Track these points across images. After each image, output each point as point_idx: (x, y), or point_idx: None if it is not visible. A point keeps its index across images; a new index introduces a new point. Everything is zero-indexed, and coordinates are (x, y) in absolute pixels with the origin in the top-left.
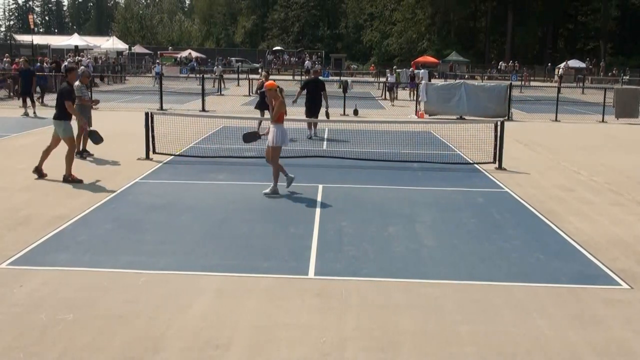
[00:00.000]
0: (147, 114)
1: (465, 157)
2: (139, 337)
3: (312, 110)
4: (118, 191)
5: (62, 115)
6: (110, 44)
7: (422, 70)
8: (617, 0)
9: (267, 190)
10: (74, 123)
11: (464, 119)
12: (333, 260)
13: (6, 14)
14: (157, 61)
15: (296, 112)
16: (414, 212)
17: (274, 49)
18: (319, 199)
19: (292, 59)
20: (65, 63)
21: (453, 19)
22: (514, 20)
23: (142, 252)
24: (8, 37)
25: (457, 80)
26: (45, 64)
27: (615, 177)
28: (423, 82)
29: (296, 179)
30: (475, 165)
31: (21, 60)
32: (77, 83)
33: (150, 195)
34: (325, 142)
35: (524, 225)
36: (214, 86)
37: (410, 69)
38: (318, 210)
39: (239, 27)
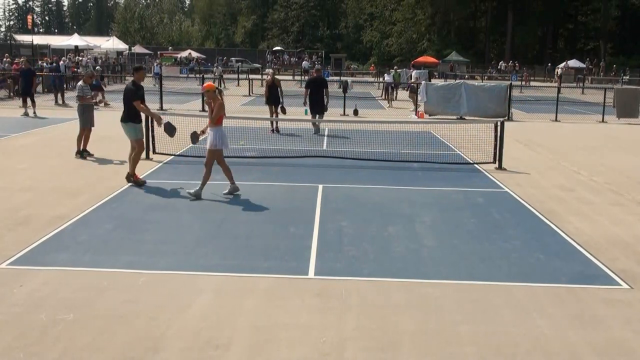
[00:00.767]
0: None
1: (465, 157)
2: (139, 337)
3: (315, 107)
4: (118, 191)
5: (130, 116)
6: (110, 44)
7: (415, 71)
8: (617, 0)
9: (191, 191)
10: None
11: (464, 119)
12: (333, 260)
13: (6, 14)
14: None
15: (296, 112)
16: (414, 212)
17: (273, 49)
18: (319, 199)
19: (292, 59)
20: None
21: (453, 19)
22: (514, 20)
23: (142, 252)
24: (8, 37)
25: (457, 81)
26: (61, 63)
27: (615, 177)
28: (422, 82)
29: (296, 179)
30: (475, 165)
31: (21, 60)
32: (80, 83)
33: (150, 195)
34: (325, 142)
35: (523, 225)
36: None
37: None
38: (318, 210)
39: (239, 27)
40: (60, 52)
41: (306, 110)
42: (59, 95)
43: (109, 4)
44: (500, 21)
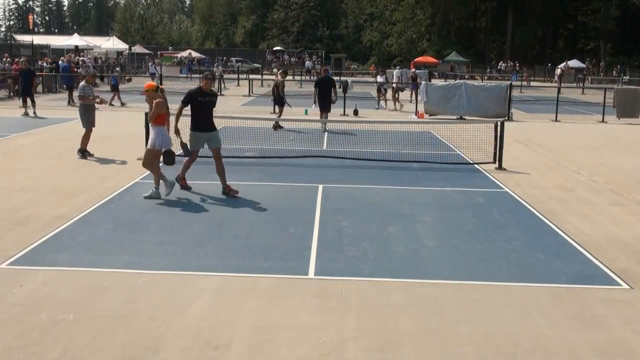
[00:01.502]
0: (147, 114)
1: (465, 157)
2: (139, 337)
3: (324, 105)
4: (118, 191)
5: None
6: (111, 44)
7: (397, 71)
8: (617, 0)
9: (146, 194)
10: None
11: (464, 119)
12: (333, 261)
13: (6, 14)
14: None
15: (295, 112)
16: (414, 212)
17: (273, 49)
18: (319, 199)
19: (292, 59)
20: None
21: (453, 19)
22: (514, 20)
23: (142, 252)
24: (8, 37)
25: (457, 81)
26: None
27: (615, 177)
28: (422, 82)
29: (296, 179)
30: (475, 165)
31: (21, 60)
32: (82, 83)
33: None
34: (325, 142)
35: (524, 225)
36: (213, 86)
37: (412, 69)
38: (318, 210)
39: (239, 27)
40: (60, 52)
41: (306, 111)
42: (72, 95)
43: (109, 4)
44: (500, 21)
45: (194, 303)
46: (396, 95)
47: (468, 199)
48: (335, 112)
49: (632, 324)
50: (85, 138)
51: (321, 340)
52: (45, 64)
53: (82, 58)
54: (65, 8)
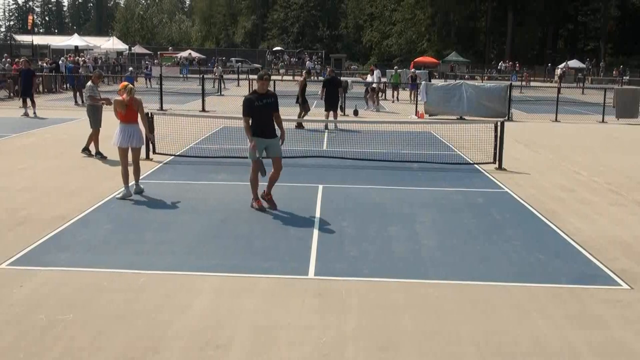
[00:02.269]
0: (146, 114)
1: (465, 157)
2: (139, 337)
3: (330, 104)
4: (118, 191)
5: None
6: (110, 44)
7: (377, 71)
8: (617, 1)
9: (119, 195)
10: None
11: (464, 119)
12: (333, 261)
13: (6, 14)
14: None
15: (295, 112)
16: (414, 212)
17: (274, 49)
18: (319, 199)
19: (292, 59)
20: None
21: (453, 19)
22: (514, 20)
23: (142, 252)
24: (8, 38)
25: (457, 81)
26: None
27: (615, 178)
28: (422, 82)
29: (296, 179)
30: (475, 165)
31: (21, 60)
32: (89, 83)
33: (150, 196)
34: (325, 142)
35: (524, 225)
36: (214, 86)
37: (412, 70)
38: (318, 210)
39: (239, 27)
40: (60, 52)
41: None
42: (79, 95)
43: (109, 4)
44: (501, 21)
45: (194, 303)
46: (376, 95)
47: (468, 199)
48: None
49: (632, 324)
50: (92, 138)
51: (321, 340)
52: (45, 64)
53: (82, 58)
54: (65, 8)
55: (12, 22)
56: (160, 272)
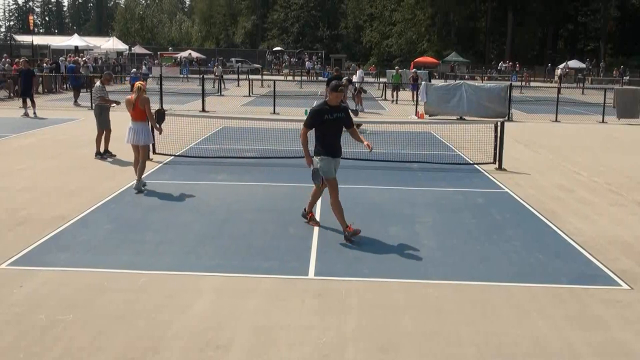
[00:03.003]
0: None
1: (465, 157)
2: (139, 337)
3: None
4: (118, 191)
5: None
6: (110, 44)
7: (360, 71)
8: (617, 1)
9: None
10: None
11: (464, 119)
12: (333, 261)
13: (6, 14)
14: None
15: (295, 112)
16: (414, 212)
17: (274, 49)
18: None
19: (292, 59)
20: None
21: (453, 19)
22: (514, 20)
23: (142, 252)
24: (8, 38)
25: (457, 81)
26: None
27: (615, 178)
28: (422, 83)
29: (296, 180)
30: (475, 165)
31: (21, 60)
32: (98, 84)
33: (150, 196)
34: None
35: (524, 225)
36: (214, 87)
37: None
38: (318, 210)
39: (238, 27)
40: (60, 52)
41: (306, 111)
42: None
43: (109, 4)
44: (500, 21)
45: (194, 303)
46: (359, 95)
47: (468, 199)
48: None
49: (632, 324)
50: (106, 140)
51: (321, 340)
52: (45, 64)
53: (83, 58)
54: (65, 8)
55: (12, 23)
56: (160, 272)
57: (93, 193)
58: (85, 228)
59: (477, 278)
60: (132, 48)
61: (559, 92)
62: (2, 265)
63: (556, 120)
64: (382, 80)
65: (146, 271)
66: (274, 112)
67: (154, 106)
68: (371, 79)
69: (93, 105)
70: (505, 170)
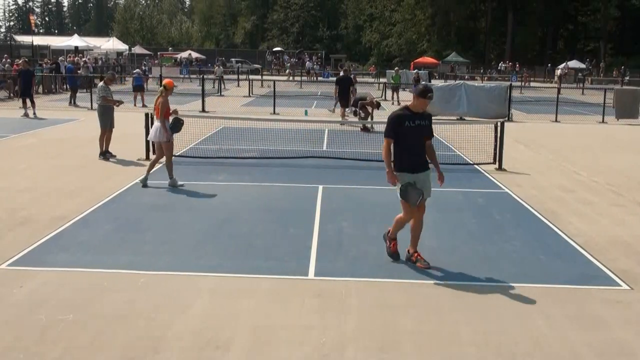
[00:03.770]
0: (147, 114)
1: (465, 157)
2: (139, 337)
3: (344, 101)
4: (118, 191)
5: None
6: (110, 44)
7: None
8: (617, 1)
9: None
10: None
11: (464, 119)
12: (333, 261)
13: (6, 14)
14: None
15: (296, 112)
16: None
17: (274, 49)
18: (319, 199)
19: (292, 59)
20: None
21: (453, 19)
22: (514, 20)
23: (142, 252)
24: (8, 38)
25: (457, 81)
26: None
27: (615, 178)
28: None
29: (296, 180)
30: (476, 166)
31: (20, 61)
32: (101, 84)
33: (150, 196)
34: (325, 143)
35: (524, 225)
36: (214, 87)
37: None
38: (318, 210)
39: (238, 27)
40: (60, 52)
41: (306, 112)
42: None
43: (109, 5)
44: (500, 22)
45: (194, 303)
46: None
47: (468, 199)
48: (335, 112)
49: (633, 324)
50: (107, 140)
51: (321, 340)
52: (43, 64)
53: (84, 59)
54: (65, 9)
55: (12, 23)
56: (160, 272)
57: (93, 193)
58: (85, 228)
59: (477, 278)
60: (132, 48)
61: (558, 92)
62: (2, 265)
63: (556, 121)
64: (382, 80)
65: (146, 271)
66: (274, 112)
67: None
68: (371, 79)
69: (96, 105)
70: (505, 170)
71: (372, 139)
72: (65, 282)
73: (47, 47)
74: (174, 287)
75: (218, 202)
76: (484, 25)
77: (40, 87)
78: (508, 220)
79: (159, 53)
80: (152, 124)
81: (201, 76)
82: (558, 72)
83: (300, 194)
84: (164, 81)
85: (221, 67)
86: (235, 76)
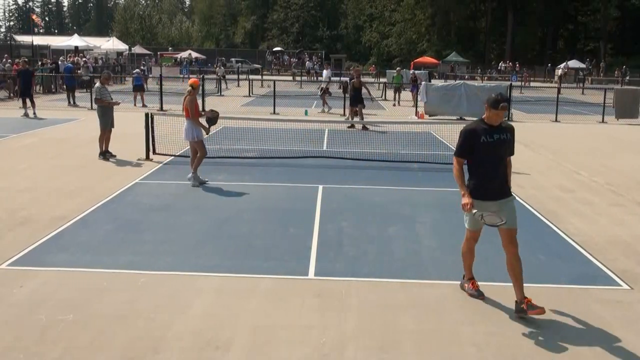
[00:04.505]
0: (147, 114)
1: None
2: (139, 337)
3: (355, 101)
4: (118, 191)
5: None
6: (110, 44)
7: (326, 71)
8: (617, 1)
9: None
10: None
11: (464, 119)
12: (333, 261)
13: (6, 14)
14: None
15: (296, 112)
16: (414, 212)
17: (274, 49)
18: (319, 199)
19: (292, 59)
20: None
21: (453, 19)
22: (514, 20)
23: (142, 252)
24: (8, 38)
25: (457, 81)
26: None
27: (615, 178)
28: (422, 83)
29: (296, 180)
30: None
31: (20, 61)
32: (97, 84)
33: (151, 196)
34: (325, 143)
35: (524, 225)
36: (216, 87)
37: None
38: (318, 210)
39: (238, 27)
40: (60, 52)
41: (306, 112)
42: (73, 95)
43: (109, 4)
44: (500, 21)
45: (194, 303)
46: (324, 96)
47: None
48: (336, 112)
49: (632, 324)
50: (106, 140)
51: (321, 340)
52: (42, 64)
53: (84, 59)
54: (65, 9)
55: (12, 23)
56: (160, 272)
57: (93, 193)
58: (85, 228)
59: (477, 278)
60: (132, 48)
61: (558, 92)
62: (2, 265)
63: (556, 120)
64: (382, 80)
65: (146, 271)
66: (274, 112)
67: (156, 106)
68: (371, 79)
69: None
70: None
71: (373, 139)
72: (65, 282)
73: (47, 47)
74: (174, 287)
75: (218, 202)
76: (484, 25)
77: (40, 87)
78: None
79: (158, 53)
80: (151, 123)
81: (201, 76)
82: (558, 72)
83: (300, 194)
84: (190, 80)
85: (222, 68)
86: (236, 76)
